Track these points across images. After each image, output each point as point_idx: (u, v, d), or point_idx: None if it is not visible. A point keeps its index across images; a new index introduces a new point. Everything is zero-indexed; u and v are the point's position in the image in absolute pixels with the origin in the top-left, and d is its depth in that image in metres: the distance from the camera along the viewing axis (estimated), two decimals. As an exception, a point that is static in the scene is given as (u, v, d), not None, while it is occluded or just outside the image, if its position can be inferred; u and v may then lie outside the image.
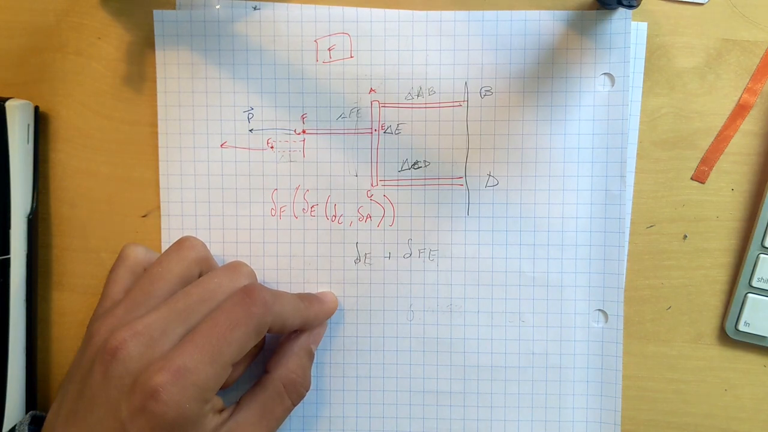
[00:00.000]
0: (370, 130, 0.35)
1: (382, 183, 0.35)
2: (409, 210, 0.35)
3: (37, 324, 0.36)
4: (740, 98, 0.34)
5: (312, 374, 0.34)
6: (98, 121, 0.36)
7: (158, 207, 0.35)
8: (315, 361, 0.35)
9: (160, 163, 0.35)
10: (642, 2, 0.32)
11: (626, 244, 0.35)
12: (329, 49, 0.35)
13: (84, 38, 0.35)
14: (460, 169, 0.35)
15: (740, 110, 0.34)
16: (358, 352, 0.35)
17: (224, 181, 0.35)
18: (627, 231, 0.35)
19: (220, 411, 0.29)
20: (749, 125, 0.34)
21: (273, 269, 0.35)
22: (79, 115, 0.36)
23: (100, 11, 0.35)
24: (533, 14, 0.34)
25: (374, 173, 0.35)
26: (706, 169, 0.35)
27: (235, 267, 0.32)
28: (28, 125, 0.34)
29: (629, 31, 0.34)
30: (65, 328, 0.36)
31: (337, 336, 0.35)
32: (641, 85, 0.34)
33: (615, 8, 0.33)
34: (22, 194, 0.34)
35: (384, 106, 0.35)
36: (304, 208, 0.35)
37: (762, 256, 0.33)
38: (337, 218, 0.35)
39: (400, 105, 0.35)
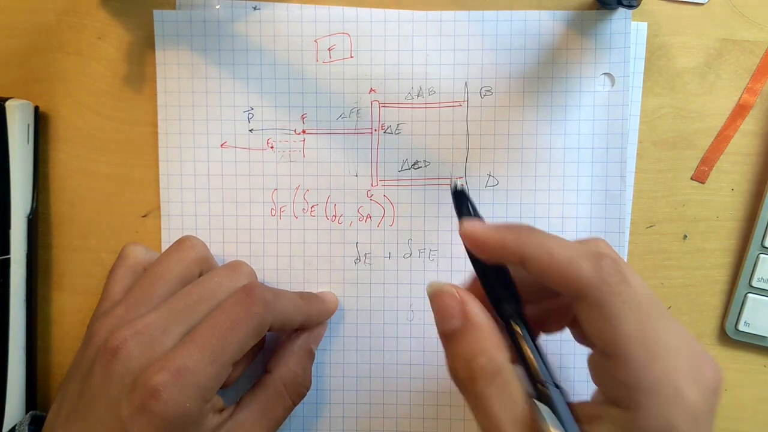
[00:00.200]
0: (370, 130, 0.35)
1: (382, 183, 0.35)
2: (409, 210, 0.35)
3: (37, 324, 0.36)
4: (740, 98, 0.34)
5: (312, 374, 0.34)
6: (98, 121, 0.36)
7: (158, 207, 0.35)
8: (315, 361, 0.35)
9: (160, 163, 0.35)
10: (642, 2, 0.32)
11: (626, 244, 0.35)
12: (329, 49, 0.35)
13: (84, 38, 0.35)
14: (460, 169, 0.35)
15: (740, 110, 0.34)
16: (358, 352, 0.35)
17: (224, 181, 0.35)
18: (627, 231, 0.35)
19: (221, 410, 0.29)
20: (749, 125, 0.34)
21: (273, 269, 0.35)
22: (79, 115, 0.36)
23: (100, 11, 0.35)
24: (533, 14, 0.34)
25: (374, 173, 0.35)
26: (706, 169, 0.35)
27: (235, 266, 0.32)
28: (28, 125, 0.34)
29: (629, 31, 0.34)
30: (65, 328, 0.36)
31: (337, 336, 0.35)
32: (641, 85, 0.34)
33: (615, 8, 0.33)
34: (22, 194, 0.34)
35: (384, 106, 0.35)
36: (304, 208, 0.35)
37: (762, 256, 0.33)
38: (337, 218, 0.35)
39: (400, 105, 0.35)
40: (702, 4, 0.34)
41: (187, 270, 0.31)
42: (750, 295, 0.34)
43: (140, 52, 0.35)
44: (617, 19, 0.34)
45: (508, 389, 0.23)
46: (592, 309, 0.23)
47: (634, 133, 0.34)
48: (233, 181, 0.35)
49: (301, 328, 0.33)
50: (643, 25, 0.34)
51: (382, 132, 0.35)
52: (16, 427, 0.31)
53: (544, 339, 0.27)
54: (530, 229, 0.25)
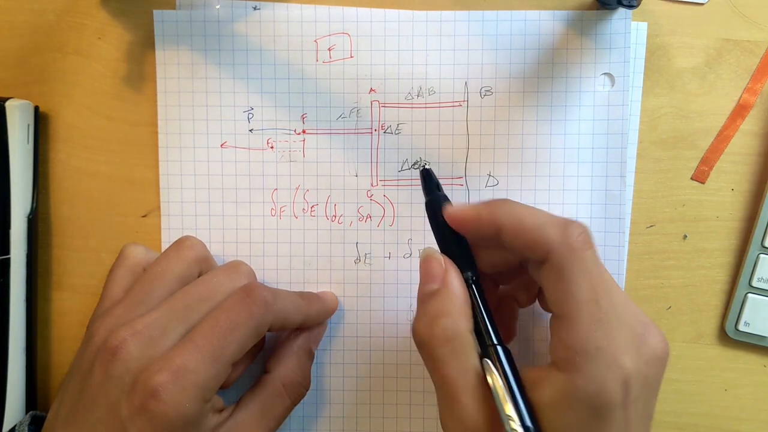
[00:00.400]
0: (370, 130, 0.35)
1: (382, 183, 0.35)
2: (409, 210, 0.35)
3: (37, 324, 0.36)
4: (740, 98, 0.34)
5: (312, 374, 0.34)
6: (98, 121, 0.36)
7: (158, 207, 0.35)
8: (315, 361, 0.35)
9: (160, 163, 0.35)
10: (642, 2, 0.32)
11: (626, 244, 0.35)
12: (329, 49, 0.35)
13: (84, 38, 0.35)
14: (460, 169, 0.35)
15: (740, 110, 0.34)
16: (358, 352, 0.35)
17: (224, 181, 0.35)
18: (627, 231, 0.35)
19: (220, 410, 0.29)
20: (749, 125, 0.34)
21: (273, 269, 0.35)
22: (79, 115, 0.36)
23: (100, 11, 0.35)
24: (533, 14, 0.34)
25: (374, 173, 0.35)
26: (706, 169, 0.35)
27: (235, 266, 0.32)
28: (28, 125, 0.34)
29: (629, 31, 0.34)
30: (65, 328, 0.36)
31: (337, 336, 0.35)
32: (641, 85, 0.34)
33: (615, 8, 0.33)
34: (22, 194, 0.34)
35: (384, 106, 0.35)
36: (304, 208, 0.35)
37: (762, 256, 0.33)
38: (337, 218, 0.35)
39: (400, 105, 0.35)
40: (702, 4, 0.34)
41: (187, 270, 0.31)
42: (750, 295, 0.34)
43: (140, 52, 0.35)
44: (617, 19, 0.34)
45: (463, 354, 0.25)
46: (553, 271, 0.25)
47: (634, 133, 0.34)
48: (233, 181, 0.35)
49: (301, 328, 0.33)
50: (643, 25, 0.34)
51: (382, 132, 0.35)
52: (16, 427, 0.31)
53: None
54: (504, 201, 0.27)
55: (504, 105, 0.34)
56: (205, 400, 0.27)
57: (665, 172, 0.35)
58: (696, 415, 0.35)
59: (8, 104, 0.33)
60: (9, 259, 0.34)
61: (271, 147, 0.35)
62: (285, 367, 0.32)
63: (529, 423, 0.24)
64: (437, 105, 0.35)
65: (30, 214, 0.35)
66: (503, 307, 0.31)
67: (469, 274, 0.28)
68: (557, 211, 0.34)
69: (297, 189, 0.35)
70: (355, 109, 0.35)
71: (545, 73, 0.34)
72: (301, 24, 0.34)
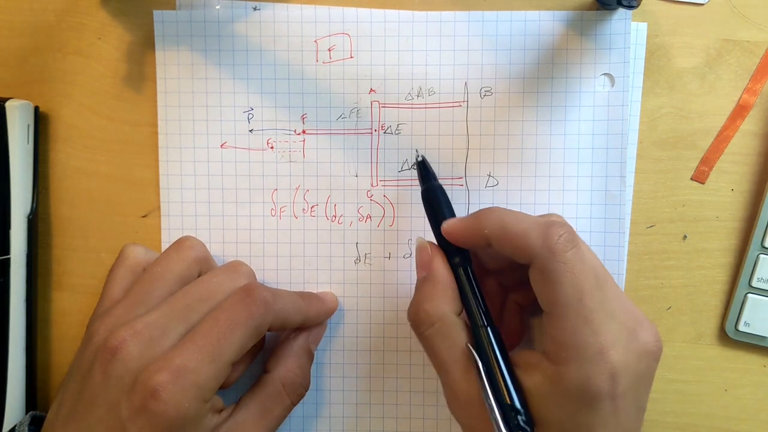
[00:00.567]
0: (370, 131, 0.35)
1: (382, 183, 0.35)
2: (409, 210, 0.35)
3: (37, 324, 0.36)
4: (740, 98, 0.34)
5: (312, 374, 0.34)
6: (98, 121, 0.36)
7: (158, 207, 0.35)
8: (315, 361, 0.35)
9: (160, 163, 0.35)
10: (642, 2, 0.32)
11: (626, 245, 0.35)
12: (329, 50, 0.35)
13: (84, 38, 0.35)
14: (460, 169, 0.35)
15: (740, 110, 0.34)
16: (358, 352, 0.35)
17: (224, 181, 0.35)
18: (627, 231, 0.35)
19: (220, 410, 0.29)
20: (749, 125, 0.34)
21: (273, 269, 0.35)
22: (79, 115, 0.36)
23: (100, 11, 0.35)
24: (533, 14, 0.34)
25: (374, 173, 0.35)
26: (706, 169, 0.35)
27: (235, 267, 0.32)
28: (28, 125, 0.34)
29: (629, 31, 0.34)
30: (65, 328, 0.36)
31: (337, 336, 0.35)
32: (641, 86, 0.34)
33: (615, 8, 0.33)
34: (22, 194, 0.34)
35: (384, 107, 0.35)
36: (304, 209, 0.35)
37: (762, 256, 0.33)
38: (337, 218, 0.35)
39: (400, 105, 0.35)
40: (702, 4, 0.34)
41: (187, 270, 0.31)
42: (750, 295, 0.34)
43: (140, 52, 0.35)
44: (617, 19, 0.34)
45: (449, 333, 0.27)
46: (537, 273, 0.26)
47: (634, 133, 0.34)
48: (233, 182, 0.35)
49: (301, 328, 0.33)
50: (643, 26, 0.34)
51: (382, 132, 0.35)
52: (16, 428, 0.31)
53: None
54: (491, 210, 0.28)
55: (504, 105, 0.34)
56: (205, 400, 0.27)
57: (665, 172, 0.35)
58: (696, 415, 0.35)
59: (8, 104, 0.33)
60: (9, 259, 0.34)
61: (271, 147, 0.35)
62: (285, 367, 0.32)
63: (517, 404, 0.25)
64: (437, 105, 0.35)
65: (30, 214, 0.35)
66: (509, 310, 0.32)
67: (457, 259, 0.29)
68: (557, 211, 0.34)
69: (297, 189, 0.35)
70: (355, 110, 0.35)
71: (545, 74, 0.34)
72: (301, 24, 0.34)
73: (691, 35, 0.34)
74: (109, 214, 0.36)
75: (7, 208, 0.34)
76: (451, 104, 0.35)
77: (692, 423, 0.35)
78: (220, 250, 0.35)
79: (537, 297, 0.26)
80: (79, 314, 0.36)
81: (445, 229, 0.29)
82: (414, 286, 0.29)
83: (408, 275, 0.35)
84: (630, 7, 0.32)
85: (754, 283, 0.33)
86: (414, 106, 0.35)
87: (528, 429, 0.25)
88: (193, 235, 0.34)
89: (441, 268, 0.29)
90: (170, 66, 0.35)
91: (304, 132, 0.35)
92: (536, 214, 0.34)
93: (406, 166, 0.35)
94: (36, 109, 0.35)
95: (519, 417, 0.25)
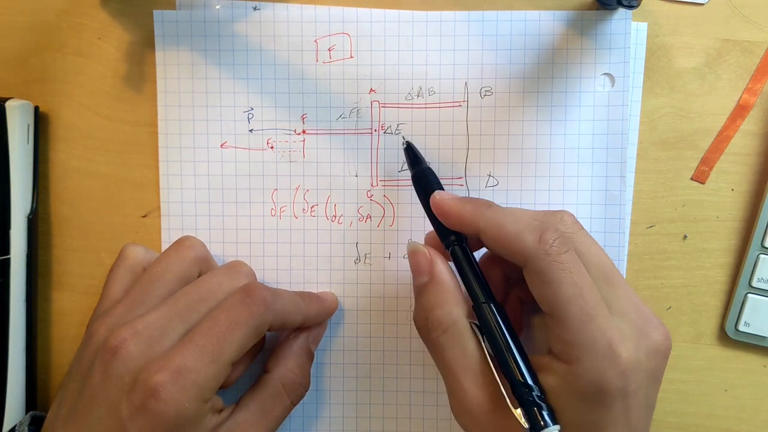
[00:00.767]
0: (370, 130, 0.35)
1: (382, 183, 0.35)
2: (409, 210, 0.35)
3: (37, 324, 0.36)
4: (740, 98, 0.34)
5: (312, 374, 0.34)
6: (98, 121, 0.36)
7: (158, 207, 0.35)
8: (315, 361, 0.35)
9: (160, 163, 0.35)
10: (642, 2, 0.32)
11: (626, 245, 0.35)
12: (329, 50, 0.35)
13: (84, 38, 0.35)
14: (460, 169, 0.35)
15: (740, 110, 0.34)
16: (358, 352, 0.35)
17: (224, 181, 0.35)
18: (627, 231, 0.35)
19: (220, 410, 0.29)
20: (749, 125, 0.34)
21: (273, 269, 0.35)
22: (79, 115, 0.36)
23: (100, 11, 0.35)
24: (533, 14, 0.34)
25: (374, 173, 0.35)
26: (706, 169, 0.35)
27: (235, 266, 0.32)
28: (28, 125, 0.34)
29: (629, 31, 0.34)
30: (65, 328, 0.36)
31: (337, 336, 0.35)
32: (641, 86, 0.34)
33: (615, 8, 0.33)
34: (22, 194, 0.34)
35: (384, 107, 0.35)
36: (304, 209, 0.35)
37: (762, 256, 0.33)
38: (337, 218, 0.35)
39: (400, 105, 0.35)
40: (702, 4, 0.34)
41: (187, 270, 0.31)
42: (750, 295, 0.34)
43: (140, 52, 0.35)
44: (617, 19, 0.34)
45: (461, 340, 0.27)
46: (534, 275, 0.26)
47: (634, 133, 0.34)
48: (233, 181, 0.35)
49: (301, 328, 0.33)
50: (643, 25, 0.34)
51: (382, 132, 0.35)
52: (16, 428, 0.31)
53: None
54: (488, 204, 0.28)
55: (504, 105, 0.34)
56: (205, 399, 0.27)
57: (665, 172, 0.35)
58: (696, 415, 0.35)
59: (8, 104, 0.33)
60: (9, 259, 0.34)
61: (271, 147, 0.35)
62: (285, 367, 0.32)
63: (529, 379, 0.25)
64: (437, 105, 0.35)
65: (30, 214, 0.35)
66: (511, 306, 0.32)
67: (452, 238, 0.29)
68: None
69: (297, 189, 0.35)
70: (355, 110, 0.35)
71: (545, 74, 0.34)
72: (301, 24, 0.34)
73: (691, 35, 0.34)
74: (109, 214, 0.36)
75: (7, 208, 0.34)
76: (451, 104, 0.35)
77: (692, 423, 0.35)
78: (220, 250, 0.35)
79: (536, 298, 0.26)
80: (79, 314, 0.36)
81: (436, 200, 0.29)
82: (412, 286, 0.29)
83: (408, 275, 0.35)
84: (630, 7, 0.32)
85: (754, 283, 0.33)
86: (414, 106, 0.35)
87: (543, 405, 0.25)
88: (193, 235, 0.34)
89: (444, 271, 0.28)
90: (170, 66, 0.35)
91: (304, 132, 0.35)
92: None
93: (405, 166, 0.35)
94: (36, 109, 0.35)
95: (533, 393, 0.25)
